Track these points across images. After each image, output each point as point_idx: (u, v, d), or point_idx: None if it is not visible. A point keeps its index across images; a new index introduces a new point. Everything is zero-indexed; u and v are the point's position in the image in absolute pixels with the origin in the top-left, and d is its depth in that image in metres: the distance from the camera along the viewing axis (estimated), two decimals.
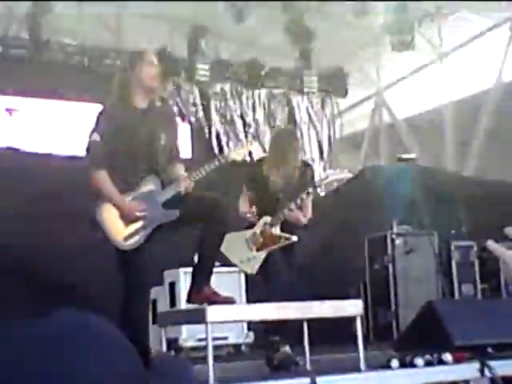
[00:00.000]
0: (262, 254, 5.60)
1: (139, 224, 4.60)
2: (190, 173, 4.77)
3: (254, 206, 5.78)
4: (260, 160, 5.99)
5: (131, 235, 4.58)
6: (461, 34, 16.82)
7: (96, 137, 4.59)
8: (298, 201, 5.60)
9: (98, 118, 4.68)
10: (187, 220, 4.70)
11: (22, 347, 1.64)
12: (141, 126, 4.67)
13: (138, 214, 4.58)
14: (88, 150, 4.65)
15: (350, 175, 5.84)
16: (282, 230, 5.66)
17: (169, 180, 4.76)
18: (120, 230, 4.58)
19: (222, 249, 5.33)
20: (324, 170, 13.54)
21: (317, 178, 5.92)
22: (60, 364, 1.59)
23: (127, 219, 4.58)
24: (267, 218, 5.67)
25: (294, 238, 5.56)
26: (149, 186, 4.69)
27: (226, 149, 12.72)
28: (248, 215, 5.73)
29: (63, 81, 11.20)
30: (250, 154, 5.23)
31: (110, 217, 4.58)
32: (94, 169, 4.60)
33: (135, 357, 1.65)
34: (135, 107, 4.71)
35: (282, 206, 5.65)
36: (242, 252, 5.66)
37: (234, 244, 5.56)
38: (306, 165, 6.02)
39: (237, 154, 5.10)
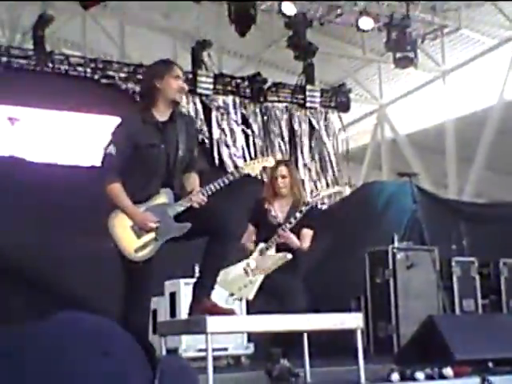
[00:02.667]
0: (259, 278, 5.62)
1: (151, 236, 4.57)
2: (204, 187, 4.72)
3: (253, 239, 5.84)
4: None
5: (143, 247, 4.55)
6: (463, 53, 16.90)
7: (112, 149, 4.55)
8: (292, 220, 5.64)
9: (115, 130, 4.65)
10: (195, 233, 4.66)
11: (22, 349, 1.62)
12: (160, 141, 4.62)
13: (151, 225, 4.57)
14: (103, 162, 4.61)
15: (341, 189, 5.84)
16: (278, 250, 5.68)
17: (182, 191, 4.73)
18: (132, 241, 4.54)
19: (220, 283, 5.35)
20: (327, 185, 13.52)
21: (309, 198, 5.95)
22: (64, 365, 1.58)
23: (140, 230, 4.56)
24: (262, 245, 5.72)
25: (289, 256, 5.57)
26: (162, 198, 4.65)
27: (227, 162, 12.72)
28: (248, 244, 5.76)
29: (66, 91, 11.22)
30: (265, 169, 5.16)
31: (121, 227, 4.55)
32: (110, 182, 4.55)
33: (143, 358, 1.63)
34: (157, 121, 4.66)
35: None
36: (239, 280, 5.67)
37: (230, 274, 5.59)
38: (307, 204, 5.96)
39: (251, 168, 5.03)
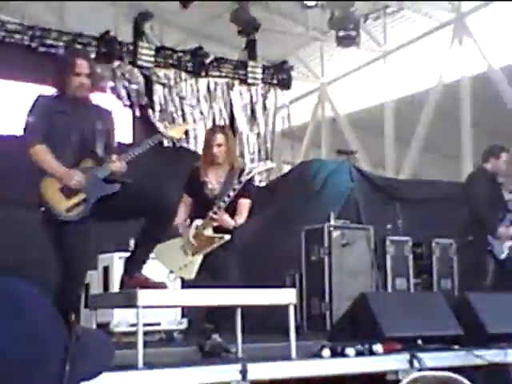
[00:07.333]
0: (199, 258, 5.58)
1: (81, 196, 4.67)
2: (123, 154, 4.80)
3: (187, 220, 5.77)
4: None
5: (73, 207, 4.64)
6: (405, 34, 17.04)
7: (31, 118, 4.72)
8: (226, 199, 5.58)
9: (34, 102, 4.81)
10: (131, 213, 4.76)
11: None
12: (72, 110, 4.77)
13: (77, 180, 4.61)
14: (25, 129, 4.75)
15: (273, 165, 5.85)
16: (216, 230, 5.63)
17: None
18: (62, 202, 4.63)
19: (159, 259, 5.38)
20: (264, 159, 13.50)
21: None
22: None
23: (69, 191, 4.63)
24: (198, 221, 5.64)
25: (227, 237, 5.53)
26: (88, 163, 4.77)
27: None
28: (180, 229, 5.69)
29: (2, 59, 10.93)
30: (187, 132, 5.27)
31: (51, 190, 4.64)
32: (33, 144, 4.67)
33: (58, 321, 1.60)
34: (68, 96, 4.80)
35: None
36: (179, 259, 5.63)
37: (169, 252, 5.58)
38: (240, 182, 5.92)
39: (174, 131, 5.20)
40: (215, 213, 5.55)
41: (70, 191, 4.64)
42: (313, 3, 13.38)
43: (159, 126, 11.79)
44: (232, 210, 5.68)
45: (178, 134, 5.22)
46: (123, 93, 12.25)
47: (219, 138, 5.82)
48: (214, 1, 13.37)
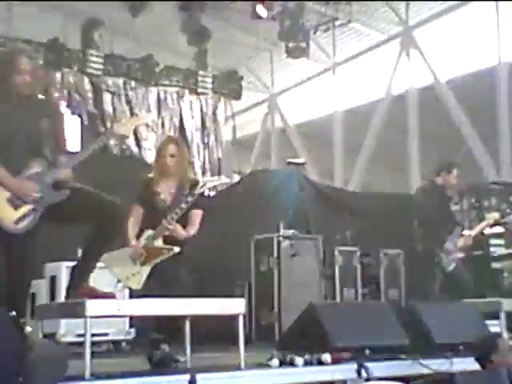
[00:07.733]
0: (147, 269, 5.55)
1: (29, 206, 4.50)
2: (70, 157, 4.68)
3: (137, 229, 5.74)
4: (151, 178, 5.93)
5: (22, 218, 4.47)
6: (354, 46, 17.24)
7: None
8: (178, 211, 5.56)
9: None
10: (80, 217, 4.65)
11: None
12: (18, 112, 4.57)
13: (33, 193, 4.48)
14: None
15: (228, 180, 5.84)
16: (165, 241, 5.61)
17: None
18: (10, 213, 4.45)
19: (108, 268, 5.33)
20: (208, 173, 13.48)
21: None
22: None
23: (17, 201, 4.46)
24: (149, 232, 5.63)
25: (177, 249, 5.51)
26: (35, 168, 4.58)
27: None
28: (132, 243, 5.66)
29: None
30: (136, 129, 5.15)
31: None
32: None
33: (14, 335, 1.58)
34: (13, 96, 4.61)
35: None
36: (127, 268, 5.59)
37: (118, 261, 5.54)
38: (197, 183, 5.93)
39: (124, 128, 5.03)
40: (170, 224, 5.54)
41: (17, 201, 4.47)
42: (264, 14, 13.46)
43: (108, 124, 11.72)
44: (183, 221, 5.66)
45: (128, 131, 5.10)
46: (71, 100, 12.14)
47: (172, 148, 5.82)
48: (164, 0, 13.27)
